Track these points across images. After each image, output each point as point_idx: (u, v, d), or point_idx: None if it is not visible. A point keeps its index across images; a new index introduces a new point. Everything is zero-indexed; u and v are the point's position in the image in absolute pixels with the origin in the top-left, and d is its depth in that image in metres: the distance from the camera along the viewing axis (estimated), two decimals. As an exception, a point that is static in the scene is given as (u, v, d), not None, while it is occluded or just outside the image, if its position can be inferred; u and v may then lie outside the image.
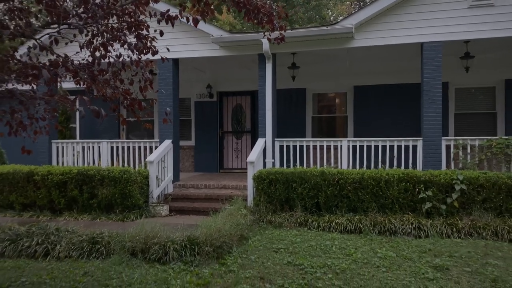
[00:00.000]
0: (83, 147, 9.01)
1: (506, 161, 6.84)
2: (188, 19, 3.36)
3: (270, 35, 4.21)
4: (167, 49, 4.14)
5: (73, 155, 8.97)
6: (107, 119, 10.17)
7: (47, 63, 3.51)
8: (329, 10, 31.81)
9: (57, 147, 9.10)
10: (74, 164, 8.84)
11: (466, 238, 5.62)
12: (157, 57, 3.83)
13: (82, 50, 3.62)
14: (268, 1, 3.78)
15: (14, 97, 3.95)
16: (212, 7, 3.74)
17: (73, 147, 8.99)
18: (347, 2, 35.12)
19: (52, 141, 9.01)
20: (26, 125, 4.04)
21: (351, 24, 7.13)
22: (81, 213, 7.17)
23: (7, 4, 3.06)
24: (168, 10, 3.32)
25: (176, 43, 7.90)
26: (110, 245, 5.00)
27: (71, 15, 3.46)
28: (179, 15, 3.29)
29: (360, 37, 7.36)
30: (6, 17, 3.25)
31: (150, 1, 3.57)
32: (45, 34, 3.42)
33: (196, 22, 3.31)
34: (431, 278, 4.15)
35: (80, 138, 11.09)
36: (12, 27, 3.18)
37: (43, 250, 5.04)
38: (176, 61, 8.32)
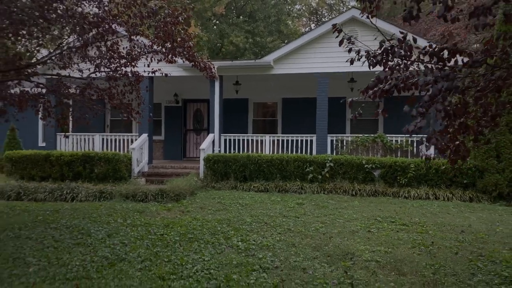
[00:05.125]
0: (80, 139, 12.20)
1: (366, 150, 10.71)
2: (164, 74, 6.83)
3: (206, 74, 7.72)
4: (144, 70, 7.52)
5: (72, 144, 12.13)
6: (96, 118, 13.11)
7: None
8: (288, 22, 35.61)
9: (60, 138, 12.23)
10: (73, 150, 11.99)
11: (329, 194, 9.36)
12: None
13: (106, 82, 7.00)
14: (204, 59, 7.30)
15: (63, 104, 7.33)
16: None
17: (73, 138, 12.16)
18: (304, 19, 39.33)
19: (57, 133, 12.14)
20: (68, 121, 7.43)
21: (270, 59, 10.80)
22: (84, 182, 10.38)
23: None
24: (153, 67, 6.80)
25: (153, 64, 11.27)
26: (112, 194, 8.39)
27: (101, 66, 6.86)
28: (158, 70, 6.77)
29: (277, 67, 11.05)
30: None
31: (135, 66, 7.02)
32: (92, 77, 6.77)
33: (166, 75, 6.79)
34: (292, 206, 7.80)
35: (72, 132, 14.14)
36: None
37: (71, 197, 8.36)
38: (151, 78, 11.67)
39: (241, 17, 33.69)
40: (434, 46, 3.01)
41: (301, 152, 11.18)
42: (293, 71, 10.97)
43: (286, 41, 30.18)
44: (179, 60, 11.04)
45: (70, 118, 7.72)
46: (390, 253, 4.81)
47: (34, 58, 6.84)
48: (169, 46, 6.77)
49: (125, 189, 8.40)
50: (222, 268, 4.24)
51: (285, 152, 11.20)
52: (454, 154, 3.57)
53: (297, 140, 11.28)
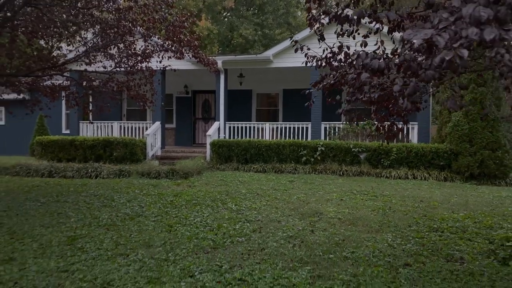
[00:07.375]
0: (100, 126, 13.61)
1: (355, 136, 11.86)
2: (173, 69, 8.09)
3: (210, 69, 8.96)
4: (156, 66, 8.81)
5: (93, 130, 13.56)
6: (115, 107, 14.37)
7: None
8: (298, 13, 36.48)
9: (82, 125, 13.66)
10: (94, 136, 13.41)
11: (319, 174, 10.56)
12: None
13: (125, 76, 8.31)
14: (209, 57, 8.53)
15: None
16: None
17: (94, 125, 13.57)
18: (313, 11, 40.00)
19: (80, 121, 13.57)
20: (92, 109, 8.78)
21: (270, 54, 11.97)
22: (105, 163, 11.78)
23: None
24: (164, 64, 8.06)
25: (164, 61, 12.56)
26: (130, 172, 9.75)
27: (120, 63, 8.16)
28: (168, 66, 8.03)
29: (276, 61, 12.22)
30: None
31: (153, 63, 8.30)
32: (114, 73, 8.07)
33: (174, 71, 8.04)
34: (283, 183, 9.03)
35: (92, 120, 15.58)
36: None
37: (95, 174, 9.76)
38: (163, 72, 12.94)
39: (250, 10, 34.67)
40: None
41: (298, 138, 12.38)
42: (290, 64, 12.13)
43: (296, 32, 31.29)
44: (187, 56, 12.35)
45: (90, 107, 9.07)
46: (352, 214, 6.02)
47: (62, 57, 8.19)
48: (177, 45, 8.02)
49: (141, 168, 9.76)
50: (216, 221, 5.53)
51: (283, 138, 12.42)
52: (388, 132, 4.79)
53: (294, 128, 12.49)
